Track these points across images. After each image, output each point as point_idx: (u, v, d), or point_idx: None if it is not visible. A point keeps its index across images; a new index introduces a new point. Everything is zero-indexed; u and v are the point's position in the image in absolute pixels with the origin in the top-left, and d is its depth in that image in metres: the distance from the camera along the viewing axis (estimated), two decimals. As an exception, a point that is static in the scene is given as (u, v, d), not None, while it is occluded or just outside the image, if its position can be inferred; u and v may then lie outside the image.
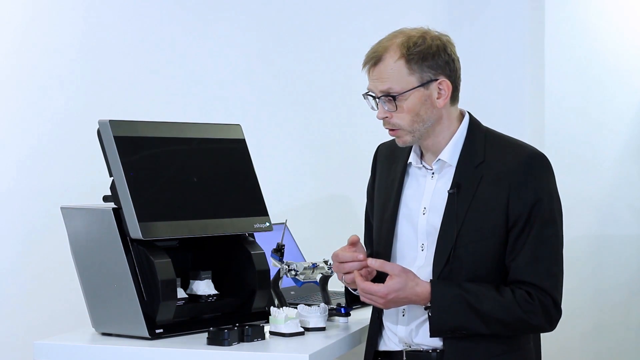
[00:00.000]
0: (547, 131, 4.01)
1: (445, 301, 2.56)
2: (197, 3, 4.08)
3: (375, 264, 2.59)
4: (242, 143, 3.09)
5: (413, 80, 2.60)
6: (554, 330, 2.67)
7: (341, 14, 4.05)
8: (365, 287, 2.59)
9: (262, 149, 3.74)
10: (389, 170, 2.78)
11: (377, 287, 2.58)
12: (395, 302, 2.60)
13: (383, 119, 2.64)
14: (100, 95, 3.99)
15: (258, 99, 4.08)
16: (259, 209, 3.03)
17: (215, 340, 2.67)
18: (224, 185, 2.99)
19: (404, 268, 2.59)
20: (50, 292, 3.90)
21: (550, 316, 2.60)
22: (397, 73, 2.60)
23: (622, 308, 4.44)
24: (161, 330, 2.77)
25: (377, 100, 2.63)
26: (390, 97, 2.60)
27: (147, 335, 2.74)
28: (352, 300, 2.89)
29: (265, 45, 4.08)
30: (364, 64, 2.65)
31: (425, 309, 2.61)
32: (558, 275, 2.62)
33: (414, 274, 2.59)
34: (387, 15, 3.95)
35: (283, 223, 3.13)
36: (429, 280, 2.59)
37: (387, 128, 2.66)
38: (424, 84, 2.61)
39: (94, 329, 2.86)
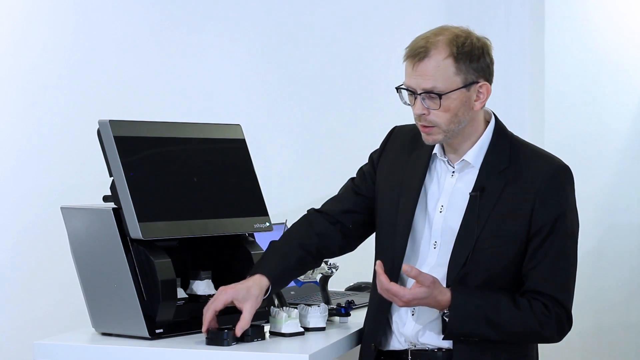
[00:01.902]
0: (547, 129, 4.01)
1: (464, 310, 2.55)
2: (198, 3, 4.08)
3: (412, 272, 2.53)
4: (242, 143, 3.09)
5: (458, 81, 2.56)
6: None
7: (341, 14, 4.05)
8: (391, 288, 2.55)
9: (262, 149, 3.74)
10: (409, 155, 2.75)
11: (403, 292, 2.54)
12: (415, 304, 2.59)
13: (420, 115, 2.60)
14: (100, 95, 3.99)
15: (258, 99, 4.08)
16: (259, 209, 3.03)
17: (215, 340, 2.67)
18: (224, 185, 2.99)
19: (434, 280, 2.55)
20: (50, 292, 3.90)
21: (563, 329, 2.62)
22: (444, 72, 2.54)
23: (622, 308, 4.44)
24: (161, 330, 2.76)
25: (415, 96, 2.58)
26: (435, 94, 2.55)
27: (147, 335, 2.74)
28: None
29: (266, 45, 4.08)
30: (407, 57, 2.58)
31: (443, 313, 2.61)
32: (572, 289, 2.63)
33: (440, 283, 2.57)
34: (387, 16, 3.95)
35: (283, 223, 3.13)
36: (449, 288, 2.58)
37: (421, 124, 2.61)
38: (467, 86, 2.57)
39: (94, 329, 2.86)
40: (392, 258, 2.69)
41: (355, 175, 2.91)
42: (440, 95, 2.55)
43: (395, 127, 2.86)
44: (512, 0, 3.86)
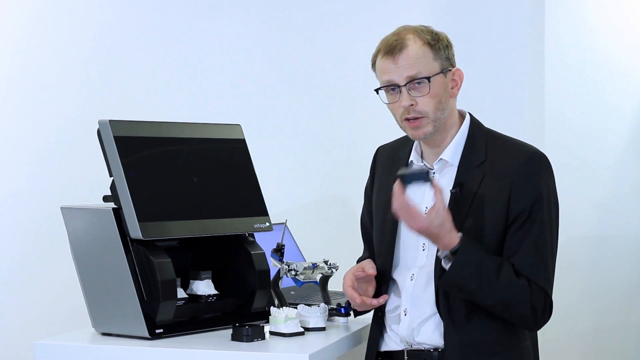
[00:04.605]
0: (547, 131, 4.01)
1: (468, 261, 2.54)
2: (197, 2, 4.08)
3: (436, 185, 2.53)
4: (242, 143, 3.09)
5: (436, 66, 2.63)
6: (554, 330, 2.67)
7: (342, 14, 4.04)
8: (412, 211, 2.52)
9: (262, 149, 3.74)
10: (390, 171, 2.78)
11: (422, 217, 2.51)
12: (426, 234, 2.56)
13: (409, 107, 2.63)
14: (101, 96, 3.99)
15: (258, 99, 4.08)
16: (259, 209, 3.03)
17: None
18: (224, 185, 2.99)
19: (445, 205, 2.54)
20: (50, 292, 3.90)
21: (544, 316, 2.62)
22: (424, 58, 2.62)
23: (622, 308, 4.44)
24: (161, 330, 2.77)
25: (400, 88, 2.62)
26: (423, 78, 2.61)
27: (147, 335, 2.74)
28: (358, 313, 2.90)
29: (266, 45, 4.08)
30: (384, 54, 2.64)
31: (441, 255, 2.58)
32: (552, 275, 2.64)
33: (452, 218, 2.56)
34: (387, 14, 3.95)
35: (283, 223, 3.13)
36: (459, 234, 2.55)
37: (409, 117, 2.63)
38: (444, 71, 2.64)
39: (94, 329, 2.86)
40: (381, 264, 2.73)
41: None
42: (428, 79, 2.61)
43: (378, 147, 2.91)
44: (512, 1, 3.86)
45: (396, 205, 2.54)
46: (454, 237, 2.55)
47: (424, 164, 2.71)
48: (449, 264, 2.56)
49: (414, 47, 2.62)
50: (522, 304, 2.57)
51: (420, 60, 2.61)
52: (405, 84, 2.61)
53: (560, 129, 4.16)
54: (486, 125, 2.75)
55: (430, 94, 2.61)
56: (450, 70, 2.65)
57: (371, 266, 2.72)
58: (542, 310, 2.60)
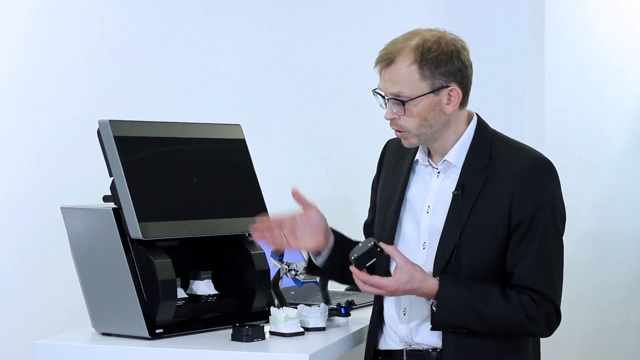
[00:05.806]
0: (547, 131, 4.01)
1: (452, 301, 2.56)
2: (197, 2, 4.09)
3: (387, 249, 2.57)
4: (242, 143, 3.09)
5: (424, 87, 2.58)
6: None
7: (342, 13, 4.05)
8: (374, 282, 2.56)
9: (262, 149, 3.74)
10: (396, 166, 2.78)
11: (387, 282, 2.55)
12: (402, 293, 2.59)
13: (390, 119, 2.63)
14: (101, 96, 4.00)
15: (258, 99, 4.08)
16: (259, 209, 3.03)
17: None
18: (224, 185, 2.99)
19: (407, 260, 2.57)
20: (50, 292, 3.90)
21: (552, 324, 2.61)
22: (409, 78, 2.57)
23: (622, 308, 4.44)
24: (161, 330, 2.77)
25: (386, 100, 2.62)
26: (400, 101, 2.58)
27: (147, 335, 2.75)
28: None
29: (266, 45, 4.08)
30: (377, 63, 2.62)
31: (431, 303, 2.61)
32: (559, 283, 2.63)
33: (420, 267, 2.58)
34: (387, 15, 3.95)
35: (283, 223, 3.12)
36: (437, 277, 2.58)
37: (393, 129, 2.65)
38: (435, 91, 2.58)
39: (94, 329, 2.86)
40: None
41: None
42: (403, 102, 2.58)
43: (388, 141, 2.89)
44: (512, 1, 3.86)
45: (359, 285, 2.59)
46: (431, 284, 2.56)
47: (429, 163, 2.70)
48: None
49: (402, 66, 2.57)
50: (519, 323, 2.57)
51: (404, 81, 2.57)
52: (389, 99, 2.60)
53: (560, 129, 4.16)
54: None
55: (408, 114, 2.59)
56: (446, 87, 2.59)
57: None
58: (548, 318, 2.59)
